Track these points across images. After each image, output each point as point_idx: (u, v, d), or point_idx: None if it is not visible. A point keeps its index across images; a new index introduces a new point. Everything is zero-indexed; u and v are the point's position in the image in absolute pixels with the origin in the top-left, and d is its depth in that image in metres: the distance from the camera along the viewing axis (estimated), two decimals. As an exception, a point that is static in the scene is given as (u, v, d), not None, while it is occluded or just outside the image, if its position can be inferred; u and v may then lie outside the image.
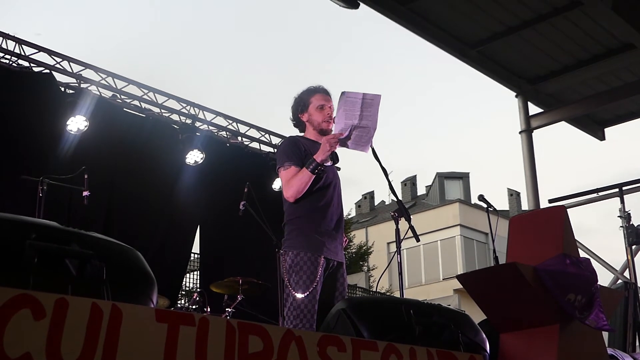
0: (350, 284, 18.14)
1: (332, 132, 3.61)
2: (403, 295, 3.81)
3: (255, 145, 8.19)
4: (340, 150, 3.76)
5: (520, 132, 9.38)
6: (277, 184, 7.76)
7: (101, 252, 2.08)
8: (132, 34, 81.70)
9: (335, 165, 3.75)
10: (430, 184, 33.59)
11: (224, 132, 7.93)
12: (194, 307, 5.77)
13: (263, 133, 8.23)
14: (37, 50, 6.36)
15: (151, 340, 1.81)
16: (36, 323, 1.64)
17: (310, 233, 3.56)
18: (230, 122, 7.94)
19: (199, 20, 74.84)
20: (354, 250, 23.39)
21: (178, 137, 7.23)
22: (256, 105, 58.07)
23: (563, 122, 9.70)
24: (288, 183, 3.58)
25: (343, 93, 3.52)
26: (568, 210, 3.65)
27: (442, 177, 32.36)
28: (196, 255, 9.81)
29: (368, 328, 2.73)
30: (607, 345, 3.89)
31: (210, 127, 7.76)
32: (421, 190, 35.44)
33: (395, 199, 3.67)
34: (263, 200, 5.72)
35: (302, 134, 3.85)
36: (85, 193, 5.38)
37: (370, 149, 3.57)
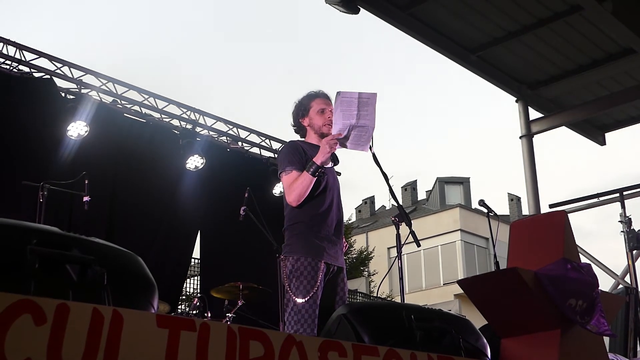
0: (351, 289, 18.14)
1: (331, 133, 3.58)
2: (404, 300, 3.81)
3: (255, 150, 8.20)
4: (340, 155, 3.76)
5: (520, 137, 9.37)
6: (277, 189, 7.76)
7: (102, 258, 2.08)
8: (133, 39, 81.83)
9: (335, 168, 3.75)
10: (430, 189, 33.56)
11: (225, 138, 7.93)
12: (194, 312, 5.77)
13: (263, 138, 8.25)
14: (37, 56, 6.38)
15: (152, 345, 1.81)
16: (37, 328, 1.63)
17: (310, 238, 3.56)
18: (231, 127, 7.94)
19: (200, 25, 75.00)
20: (354, 255, 23.38)
21: (178, 143, 7.24)
22: (256, 110, 58.09)
23: (563, 127, 9.70)
24: (290, 187, 3.58)
25: (338, 93, 3.51)
26: (569, 215, 3.64)
27: (443, 182, 32.33)
28: (196, 261, 9.80)
29: (369, 333, 2.72)
30: (608, 351, 3.88)
31: (211, 133, 7.77)
32: (421, 195, 35.43)
33: (396, 204, 3.66)
34: (263, 205, 5.74)
35: (303, 139, 3.85)
36: (85, 198, 5.39)
37: (369, 149, 3.55)
